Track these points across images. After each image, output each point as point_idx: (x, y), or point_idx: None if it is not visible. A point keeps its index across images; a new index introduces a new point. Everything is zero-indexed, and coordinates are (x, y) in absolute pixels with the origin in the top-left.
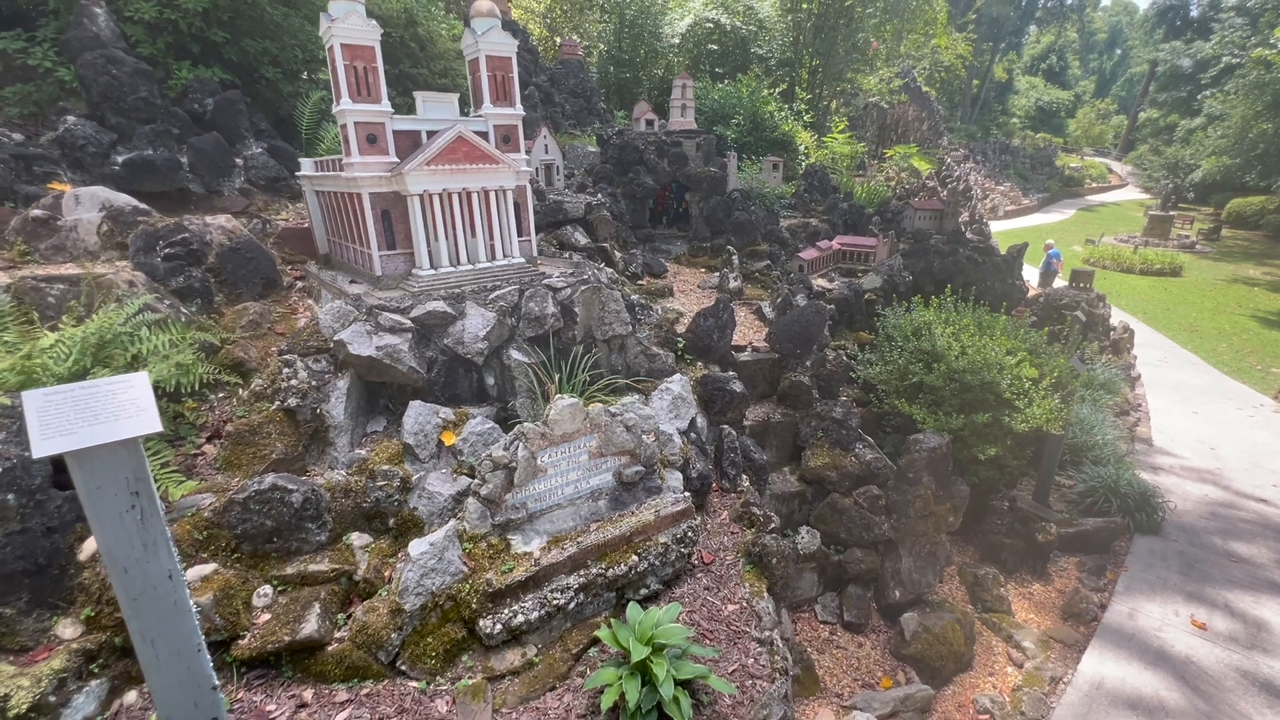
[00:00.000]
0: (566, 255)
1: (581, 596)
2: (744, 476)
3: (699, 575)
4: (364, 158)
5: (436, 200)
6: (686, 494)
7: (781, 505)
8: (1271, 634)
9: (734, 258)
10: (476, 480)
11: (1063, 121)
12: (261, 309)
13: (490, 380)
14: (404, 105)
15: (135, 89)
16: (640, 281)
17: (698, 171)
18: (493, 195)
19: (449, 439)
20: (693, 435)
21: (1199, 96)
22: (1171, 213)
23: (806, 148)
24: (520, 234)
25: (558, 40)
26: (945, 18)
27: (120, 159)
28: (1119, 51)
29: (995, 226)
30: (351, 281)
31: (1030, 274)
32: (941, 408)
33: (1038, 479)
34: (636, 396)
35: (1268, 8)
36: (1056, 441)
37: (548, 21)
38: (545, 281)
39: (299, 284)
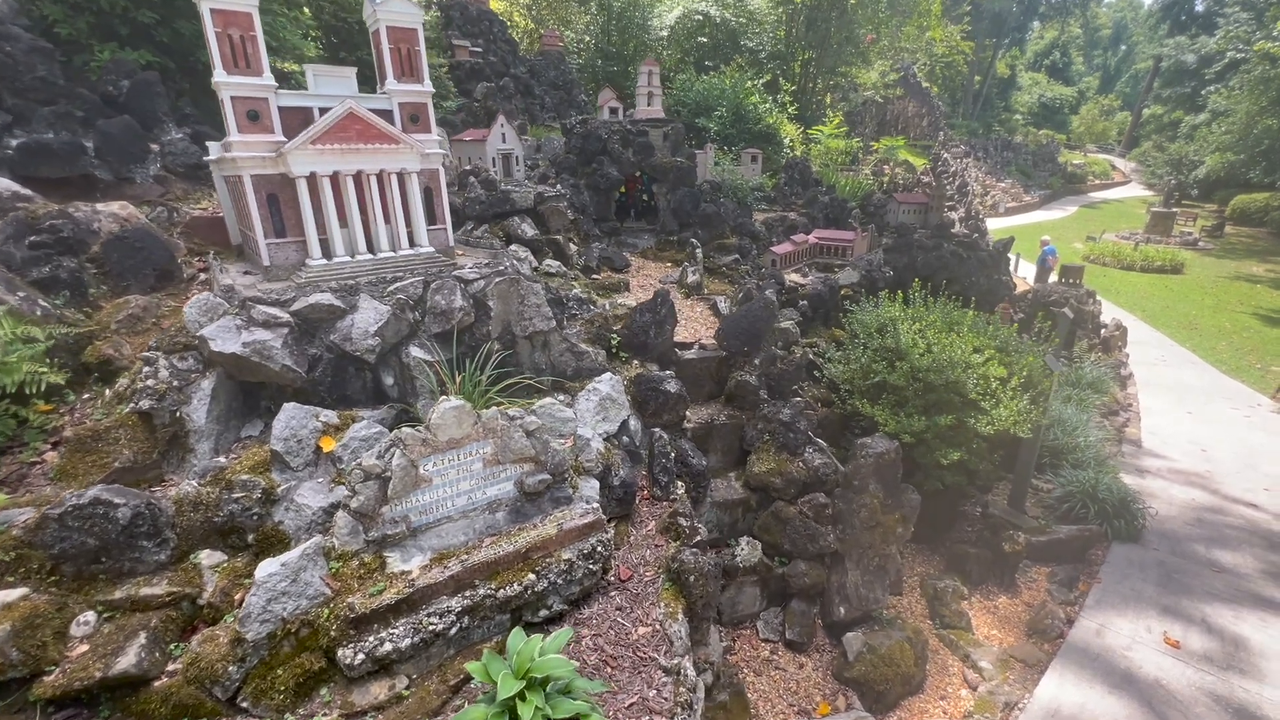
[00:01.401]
0: (510, 248)
1: (466, 620)
2: (679, 484)
3: (613, 594)
4: (245, 136)
5: (327, 183)
6: (596, 505)
7: (724, 514)
8: (1249, 653)
9: (697, 251)
10: (346, 492)
11: (1066, 118)
12: (147, 303)
13: (389, 380)
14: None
15: (32, 68)
16: (595, 276)
17: (664, 162)
18: (394, 179)
19: (328, 445)
20: (624, 439)
21: (1203, 92)
22: (1174, 209)
23: (791, 140)
24: (433, 222)
25: (542, 33)
26: (940, 9)
27: (15, 143)
28: (1123, 47)
29: (995, 223)
30: (245, 273)
31: (1028, 270)
32: (904, 409)
33: (1013, 483)
34: (563, 397)
35: (1273, 2)
36: (1032, 444)
37: (533, 14)
38: (455, 273)
39: (202, 276)
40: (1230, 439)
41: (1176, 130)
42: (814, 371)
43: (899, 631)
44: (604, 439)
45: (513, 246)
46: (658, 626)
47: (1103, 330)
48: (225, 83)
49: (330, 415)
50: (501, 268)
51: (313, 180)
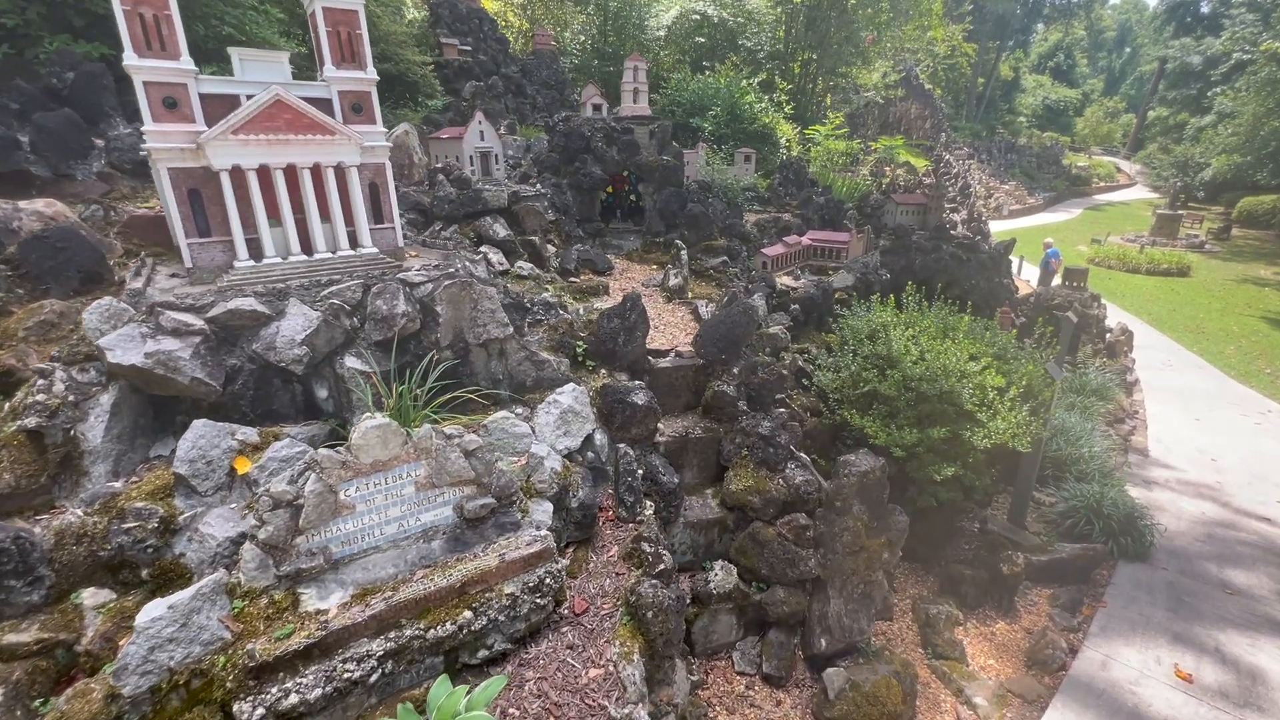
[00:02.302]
0: (480, 249)
1: (391, 665)
2: (647, 503)
3: (565, 629)
4: (160, 125)
5: (255, 177)
6: (547, 532)
7: (699, 535)
8: (1267, 687)
9: (682, 253)
10: (254, 521)
11: (1070, 120)
12: (64, 308)
13: (323, 393)
14: None
15: None
16: (573, 279)
17: (650, 160)
18: (331, 173)
19: (243, 466)
20: (589, 455)
21: (1209, 94)
22: (1180, 212)
23: (788, 140)
24: (380, 221)
25: (535, 32)
26: (940, 9)
27: None
28: (1128, 49)
29: (999, 226)
30: (173, 275)
31: (1031, 273)
32: (895, 420)
33: (1013, 498)
34: (521, 410)
35: (1279, 2)
36: (1033, 456)
37: (529, 13)
38: (400, 276)
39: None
40: (1240, 447)
41: (1182, 132)
42: (802, 380)
43: (885, 665)
44: (564, 456)
45: (483, 248)
46: (611, 668)
47: (1108, 335)
48: (137, 66)
49: (249, 433)
50: (452, 270)
51: (238, 174)
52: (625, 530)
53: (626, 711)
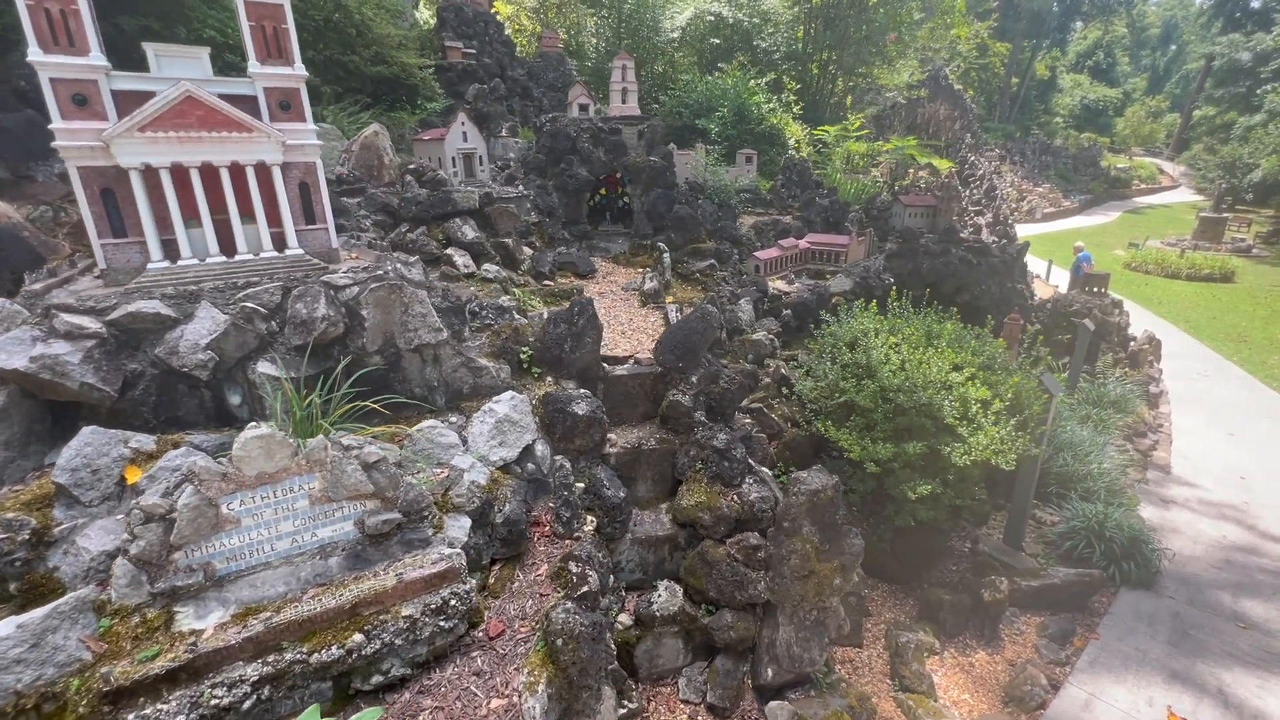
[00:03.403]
0: (446, 252)
1: (268, 691)
2: (588, 519)
3: (475, 654)
4: (70, 123)
5: (168, 176)
6: (456, 550)
7: (648, 552)
8: None
9: (664, 256)
10: (126, 535)
11: (1110, 120)
12: None
13: (236, 400)
14: (331, 95)
15: None
16: (548, 282)
17: (637, 161)
18: (251, 172)
19: (133, 476)
20: (529, 467)
21: (1259, 91)
22: (1226, 214)
23: (797, 141)
24: (311, 221)
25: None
26: (964, 5)
27: None
28: (1173, 47)
29: (1031, 229)
30: (96, 276)
31: (1061, 278)
32: (872, 433)
33: (1009, 516)
34: (456, 419)
35: None
36: (1029, 472)
37: (541, 16)
38: (325, 278)
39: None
40: (1274, 465)
41: (1230, 132)
42: (782, 388)
43: (839, 699)
44: (500, 468)
45: (449, 250)
46: (514, 699)
47: (1131, 343)
48: (42, 63)
49: (145, 440)
50: (380, 272)
51: (151, 173)
52: (561, 547)
53: None
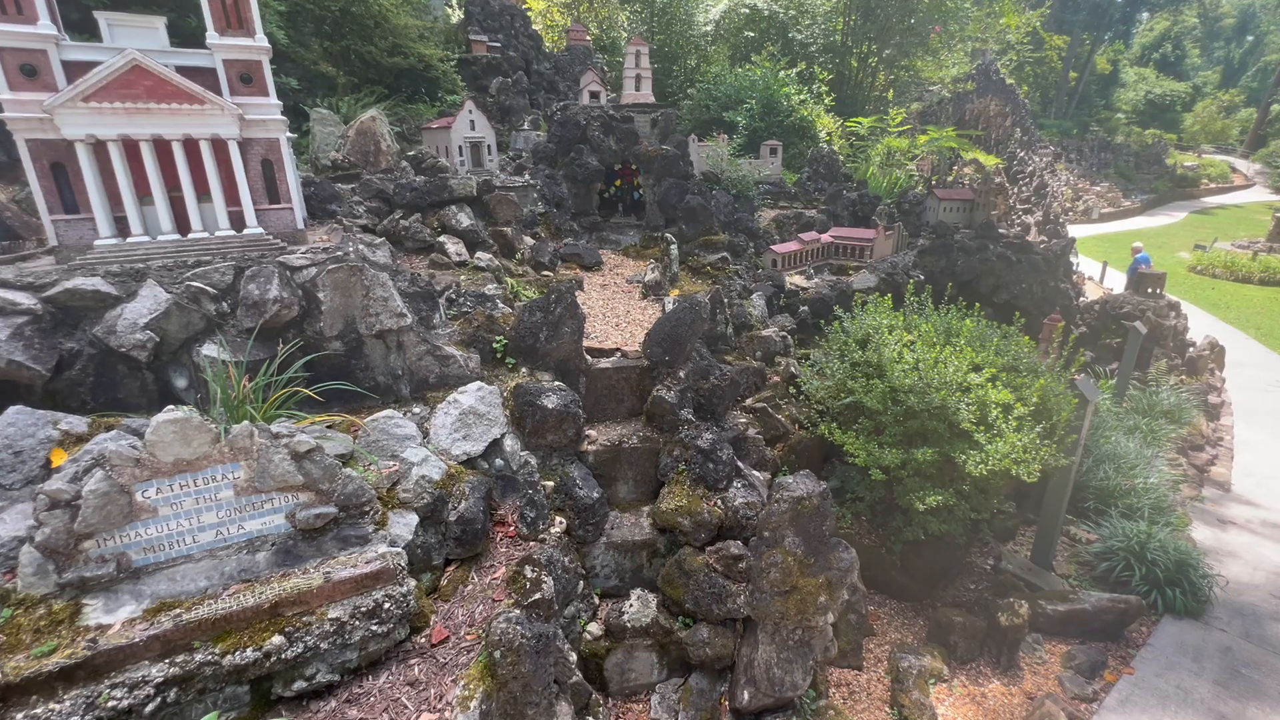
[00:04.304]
0: (438, 240)
1: (174, 694)
2: (556, 520)
3: (413, 662)
4: (18, 94)
5: (116, 150)
6: (395, 550)
7: (625, 558)
8: None
9: (671, 247)
10: (32, 522)
11: (1177, 116)
12: None
13: (181, 382)
14: (347, 85)
15: None
16: (547, 272)
17: (649, 150)
18: (206, 147)
19: (59, 458)
20: (497, 462)
21: None
22: None
23: (829, 133)
24: (274, 200)
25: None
26: None
27: None
28: (1250, 38)
29: (1086, 230)
30: (47, 253)
31: (1117, 280)
32: (880, 437)
33: (1038, 532)
34: (419, 409)
35: None
36: (1061, 485)
37: (573, 11)
38: (280, 258)
39: None
40: None
41: None
42: (791, 388)
43: None
44: (462, 462)
45: (442, 237)
46: (446, 715)
47: (1189, 349)
48: None
49: (77, 422)
50: (340, 253)
51: (101, 147)
52: (523, 549)
53: None
